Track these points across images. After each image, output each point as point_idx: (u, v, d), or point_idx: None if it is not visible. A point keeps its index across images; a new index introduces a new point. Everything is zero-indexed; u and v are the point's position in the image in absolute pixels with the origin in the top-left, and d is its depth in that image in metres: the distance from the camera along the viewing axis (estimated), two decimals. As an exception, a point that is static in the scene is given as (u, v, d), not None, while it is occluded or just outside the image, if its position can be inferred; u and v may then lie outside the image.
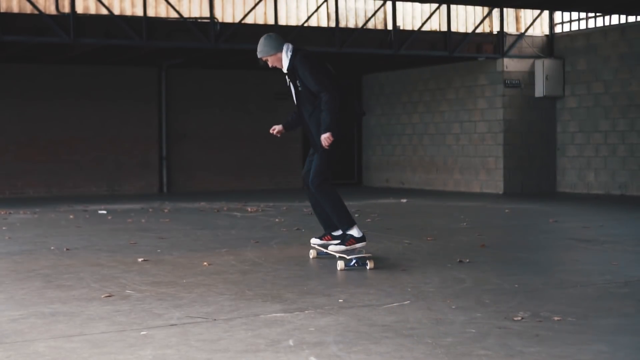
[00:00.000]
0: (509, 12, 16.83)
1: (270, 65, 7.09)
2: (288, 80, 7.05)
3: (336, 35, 15.20)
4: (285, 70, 6.98)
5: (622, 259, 7.13)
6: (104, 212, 12.36)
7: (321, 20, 15.42)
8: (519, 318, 4.62)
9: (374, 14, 15.58)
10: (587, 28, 16.59)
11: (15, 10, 13.33)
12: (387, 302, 5.14)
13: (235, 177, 18.86)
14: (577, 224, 10.18)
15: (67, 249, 7.91)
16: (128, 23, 13.86)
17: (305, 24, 15.07)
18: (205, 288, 5.70)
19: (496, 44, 16.64)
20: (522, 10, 16.74)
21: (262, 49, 6.99)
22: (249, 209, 12.70)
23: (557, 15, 17.17)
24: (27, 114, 17.01)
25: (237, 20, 14.68)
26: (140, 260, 7.11)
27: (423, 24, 15.89)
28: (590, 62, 16.34)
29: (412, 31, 15.87)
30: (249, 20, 14.79)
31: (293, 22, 15.16)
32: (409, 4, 15.83)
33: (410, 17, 16.15)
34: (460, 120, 17.64)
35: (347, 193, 17.12)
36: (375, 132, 20.05)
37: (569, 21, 16.99)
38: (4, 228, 10.06)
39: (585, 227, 9.75)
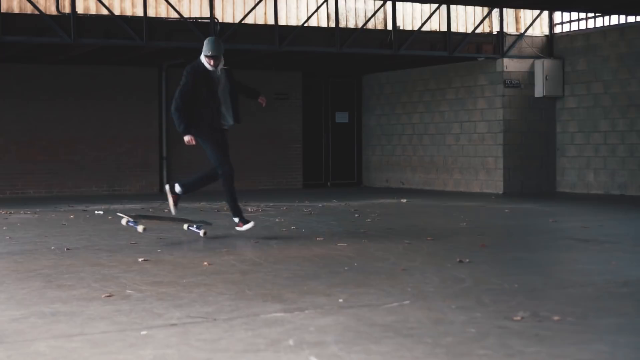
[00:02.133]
0: (509, 12, 16.85)
1: (215, 64, 8.59)
2: (219, 75, 8.67)
3: (336, 35, 15.21)
4: (221, 67, 8.70)
5: (622, 259, 7.14)
6: (101, 212, 12.35)
7: (321, 20, 15.43)
8: (519, 318, 4.62)
9: (374, 14, 15.59)
10: (586, 28, 16.61)
11: (16, 10, 13.35)
12: (387, 302, 5.14)
13: (235, 177, 18.80)
14: (576, 224, 10.18)
15: (68, 249, 7.91)
16: (128, 23, 13.87)
17: (305, 24, 15.08)
18: (205, 288, 5.70)
19: (496, 44, 16.65)
20: (521, 10, 16.76)
21: (221, 48, 8.58)
22: (249, 209, 12.70)
23: (557, 16, 17.18)
24: (27, 114, 17.01)
25: (237, 20, 14.69)
26: (140, 260, 7.12)
27: (423, 24, 15.90)
28: (589, 62, 16.35)
29: (412, 31, 15.89)
30: (249, 20, 14.80)
31: (293, 22, 15.18)
32: (409, 4, 15.84)
33: (410, 17, 16.17)
34: (460, 120, 17.65)
35: (347, 193, 17.13)
36: (375, 132, 20.06)
37: (568, 21, 17.00)
38: (4, 228, 10.07)
39: (585, 227, 9.76)
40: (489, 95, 16.97)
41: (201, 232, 8.72)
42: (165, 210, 8.92)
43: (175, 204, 8.92)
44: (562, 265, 7.06)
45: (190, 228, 8.85)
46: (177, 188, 8.88)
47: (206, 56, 8.58)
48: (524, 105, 16.83)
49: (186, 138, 8.64)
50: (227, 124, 8.87)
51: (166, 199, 9.24)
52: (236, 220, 8.90)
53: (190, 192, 9.08)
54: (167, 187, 9.08)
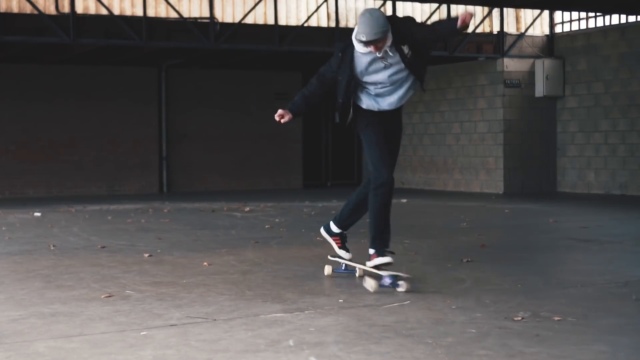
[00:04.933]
0: (509, 12, 16.83)
1: (378, 48, 5.64)
2: (379, 56, 5.72)
3: (336, 35, 15.19)
4: (389, 43, 5.69)
5: (622, 259, 7.14)
6: (39, 214, 12.12)
7: (321, 20, 15.42)
8: (519, 318, 4.62)
9: (374, 14, 15.56)
10: (587, 28, 16.60)
11: (15, 10, 13.34)
12: (387, 302, 5.14)
13: (235, 177, 18.85)
14: (577, 224, 10.17)
15: (68, 249, 7.90)
16: (128, 23, 13.86)
17: (305, 24, 15.07)
18: (205, 288, 5.70)
19: (496, 44, 16.64)
20: (522, 10, 16.75)
21: (381, 28, 5.56)
22: (247, 209, 12.70)
23: (557, 15, 17.17)
24: (27, 114, 17.01)
25: (237, 20, 14.68)
26: (146, 255, 7.12)
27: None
28: (590, 62, 16.34)
29: (412, 31, 15.86)
30: (249, 20, 14.79)
31: (293, 22, 15.17)
32: (409, 4, 15.82)
33: (410, 17, 16.14)
34: (460, 120, 17.64)
35: (347, 193, 17.10)
36: (375, 132, 20.02)
37: (569, 21, 16.99)
38: (3, 228, 10.06)
39: (585, 227, 9.75)
40: (489, 95, 16.96)
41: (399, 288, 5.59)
42: (330, 257, 6.40)
43: (343, 247, 6.33)
44: (562, 265, 7.05)
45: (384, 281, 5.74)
46: (333, 226, 6.38)
47: (359, 41, 5.62)
48: (524, 105, 16.82)
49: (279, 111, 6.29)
50: (387, 107, 6.27)
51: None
52: (371, 251, 5.98)
53: (348, 226, 6.50)
54: (322, 230, 6.46)
